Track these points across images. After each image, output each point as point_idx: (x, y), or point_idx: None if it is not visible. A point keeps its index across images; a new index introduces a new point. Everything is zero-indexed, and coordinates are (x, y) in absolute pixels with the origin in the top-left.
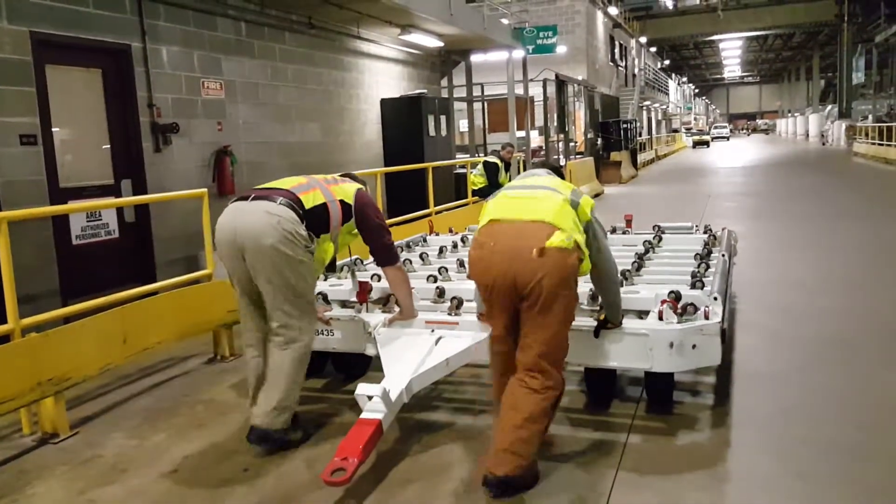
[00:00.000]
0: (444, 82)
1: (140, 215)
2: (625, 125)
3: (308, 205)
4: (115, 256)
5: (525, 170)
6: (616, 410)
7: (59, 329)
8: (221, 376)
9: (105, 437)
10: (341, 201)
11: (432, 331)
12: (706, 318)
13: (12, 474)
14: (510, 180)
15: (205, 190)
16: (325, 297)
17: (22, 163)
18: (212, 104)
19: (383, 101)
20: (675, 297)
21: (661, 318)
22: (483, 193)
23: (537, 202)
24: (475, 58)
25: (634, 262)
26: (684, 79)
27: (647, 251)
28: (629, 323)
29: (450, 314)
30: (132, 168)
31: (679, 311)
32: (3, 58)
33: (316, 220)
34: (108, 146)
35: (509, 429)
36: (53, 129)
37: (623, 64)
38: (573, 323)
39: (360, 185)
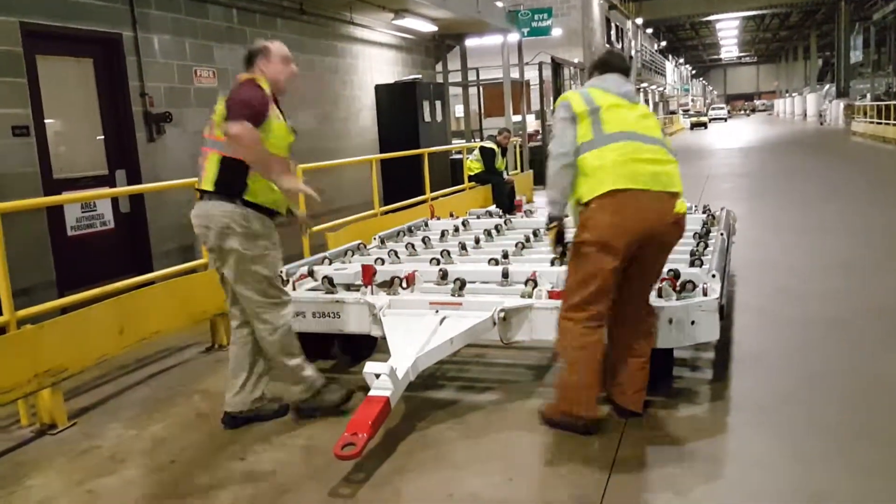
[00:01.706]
0: (439, 67)
1: (135, 205)
2: None
3: (211, 173)
4: (110, 247)
5: (521, 156)
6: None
7: (56, 320)
8: (218, 365)
9: (103, 428)
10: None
11: (437, 311)
12: (704, 294)
13: (10, 466)
14: (506, 167)
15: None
16: (330, 280)
17: (14, 154)
18: (205, 92)
19: (378, 87)
20: (674, 274)
21: (660, 296)
22: (479, 179)
23: (663, 167)
24: (470, 42)
25: None
26: (681, 60)
27: None
28: None
29: (453, 295)
30: (126, 158)
31: (678, 288)
32: None
33: (231, 171)
34: (102, 136)
35: (637, 370)
36: (46, 120)
37: (619, 46)
38: None
39: (249, 76)
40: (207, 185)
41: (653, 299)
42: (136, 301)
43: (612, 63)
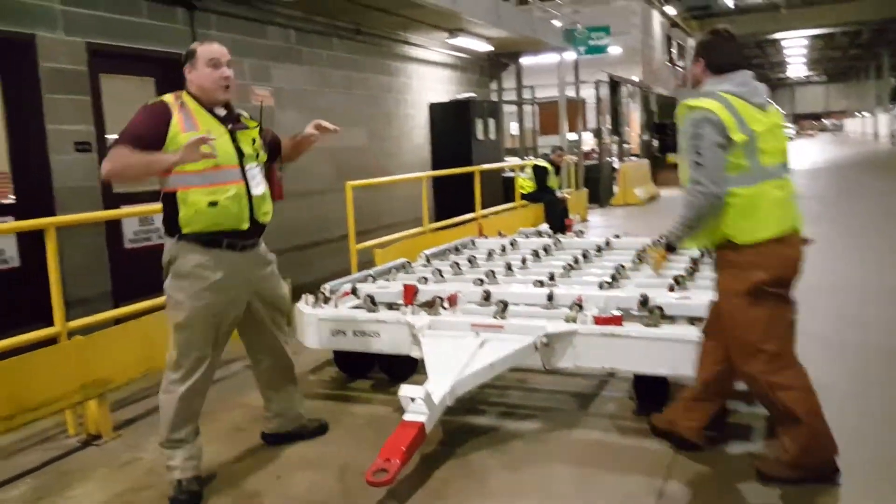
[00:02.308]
0: (494, 85)
1: None
2: None
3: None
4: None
5: (576, 174)
6: None
7: (104, 332)
8: None
9: (145, 440)
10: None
11: (477, 334)
12: None
13: (55, 475)
14: (560, 185)
15: None
16: (372, 298)
17: (77, 169)
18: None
19: (431, 106)
20: None
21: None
22: (532, 198)
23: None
24: (525, 60)
25: (688, 267)
26: None
27: (702, 255)
28: (681, 330)
29: (495, 318)
30: None
31: None
32: (60, 68)
33: (165, 203)
34: None
35: (722, 409)
36: (107, 136)
37: (681, 64)
38: (621, 329)
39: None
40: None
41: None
42: None
43: (737, 56)
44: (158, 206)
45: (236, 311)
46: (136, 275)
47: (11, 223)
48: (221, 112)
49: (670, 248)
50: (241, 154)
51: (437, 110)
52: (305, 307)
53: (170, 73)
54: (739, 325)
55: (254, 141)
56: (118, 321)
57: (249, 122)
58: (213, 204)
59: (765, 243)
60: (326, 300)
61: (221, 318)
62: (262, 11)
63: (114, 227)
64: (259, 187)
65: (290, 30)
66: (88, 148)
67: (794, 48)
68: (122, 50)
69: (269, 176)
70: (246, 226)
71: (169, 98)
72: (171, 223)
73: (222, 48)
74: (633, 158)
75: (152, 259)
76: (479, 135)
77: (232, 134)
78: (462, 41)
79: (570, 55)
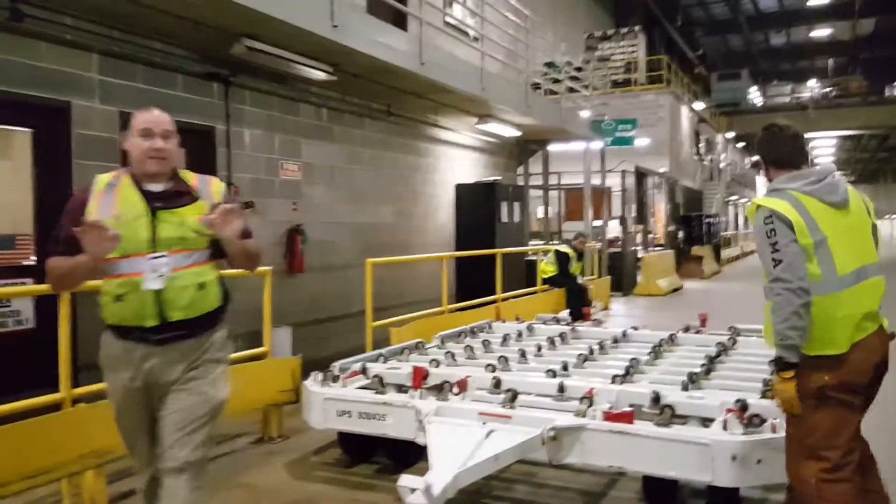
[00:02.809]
0: (521, 169)
1: None
2: (708, 219)
3: None
4: None
5: (600, 261)
6: None
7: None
8: (266, 458)
9: None
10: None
11: (484, 423)
12: (773, 431)
13: None
14: (582, 271)
15: (269, 268)
16: (381, 380)
17: None
18: (289, 185)
19: (458, 186)
20: (742, 406)
21: (725, 428)
22: (553, 282)
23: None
24: (553, 147)
25: (704, 364)
26: None
27: (719, 354)
28: (692, 431)
29: (503, 407)
30: None
31: (745, 421)
32: (94, 135)
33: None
34: None
35: None
36: None
37: (708, 158)
38: (631, 427)
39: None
40: None
41: (716, 432)
42: None
43: (794, 150)
44: None
45: (145, 412)
46: None
47: (26, 286)
48: (157, 187)
49: (788, 365)
50: (152, 239)
51: (463, 191)
52: (313, 385)
53: (203, 146)
54: (800, 425)
55: (182, 223)
56: None
57: (195, 199)
58: (118, 298)
59: (830, 358)
60: (335, 379)
61: (134, 416)
62: (297, 90)
63: None
64: (155, 281)
65: (322, 108)
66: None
67: (823, 148)
68: None
69: (293, 247)
70: (151, 323)
71: (103, 177)
72: (101, 311)
73: (161, 116)
74: (657, 249)
75: None
76: (504, 217)
77: (152, 216)
78: (491, 127)
79: (598, 144)
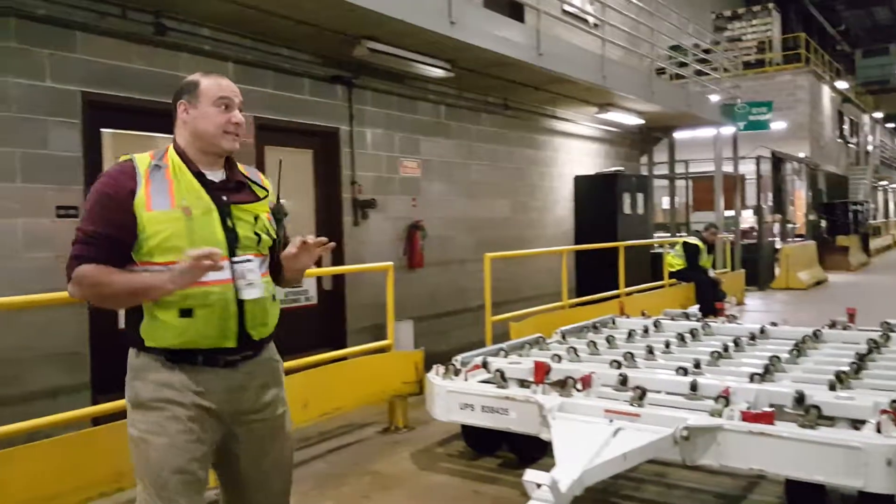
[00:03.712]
0: (644, 159)
1: (336, 284)
2: (854, 207)
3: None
4: (312, 322)
5: (732, 254)
6: None
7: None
8: (392, 448)
9: None
10: None
11: (611, 421)
12: None
13: None
14: (713, 264)
15: (390, 264)
16: (502, 374)
17: None
18: (408, 182)
19: (577, 178)
20: None
21: (878, 431)
22: (681, 276)
23: None
24: (679, 134)
25: (853, 363)
26: None
27: (870, 351)
28: (841, 433)
29: (632, 405)
30: (333, 239)
31: None
32: None
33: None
34: (314, 219)
35: None
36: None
37: (854, 141)
38: (773, 429)
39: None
40: None
41: (869, 435)
42: (323, 376)
43: None
44: (310, 269)
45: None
46: (284, 334)
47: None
48: (216, 176)
49: None
50: (233, 239)
51: (581, 183)
52: (435, 378)
53: (327, 146)
54: None
55: (256, 219)
56: None
57: (259, 190)
58: (185, 313)
59: None
60: (457, 372)
61: (186, 464)
62: (415, 88)
63: None
64: (252, 289)
65: (440, 106)
66: None
67: None
68: (286, 124)
69: (413, 243)
70: (230, 343)
71: (142, 157)
72: (132, 329)
73: (234, 86)
74: (797, 239)
75: (299, 320)
76: (627, 209)
77: (223, 210)
78: (612, 116)
79: (729, 129)
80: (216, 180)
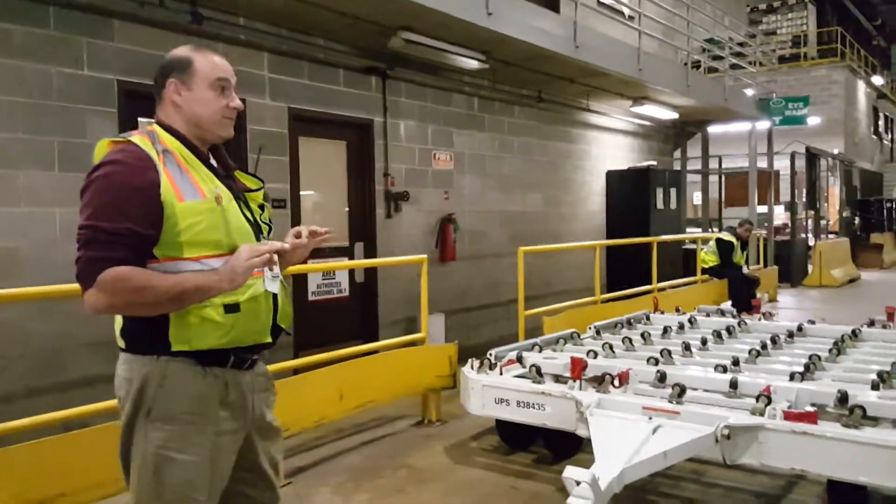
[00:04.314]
0: (677, 153)
1: (369, 276)
2: (889, 204)
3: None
4: (344, 314)
5: (765, 250)
6: None
7: (283, 381)
8: (426, 441)
9: (313, 491)
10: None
11: (650, 418)
12: None
13: None
14: (746, 261)
15: (424, 256)
16: (538, 369)
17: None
18: (441, 174)
19: (609, 173)
20: None
21: None
22: (714, 273)
23: None
24: (713, 129)
25: (895, 362)
26: None
27: None
28: (886, 434)
29: (671, 402)
30: (365, 232)
31: None
32: (265, 130)
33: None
34: (347, 211)
35: None
36: (301, 193)
37: (888, 137)
38: (816, 428)
39: (122, 140)
40: (116, 337)
41: None
42: (358, 369)
43: None
44: (343, 262)
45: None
46: (317, 326)
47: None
48: (212, 161)
49: None
50: (257, 229)
51: (614, 178)
52: (470, 372)
53: (361, 138)
54: None
55: (262, 208)
56: (296, 371)
57: (247, 178)
58: (231, 309)
59: None
60: (492, 366)
61: (223, 477)
62: (450, 80)
63: (300, 279)
64: (276, 281)
65: (474, 98)
66: (284, 205)
67: None
68: (320, 115)
69: (445, 236)
70: (268, 339)
71: (143, 142)
72: (146, 335)
73: (228, 64)
74: (831, 236)
75: (332, 312)
76: (659, 204)
77: (239, 199)
78: (646, 109)
79: (764, 124)
80: (213, 166)
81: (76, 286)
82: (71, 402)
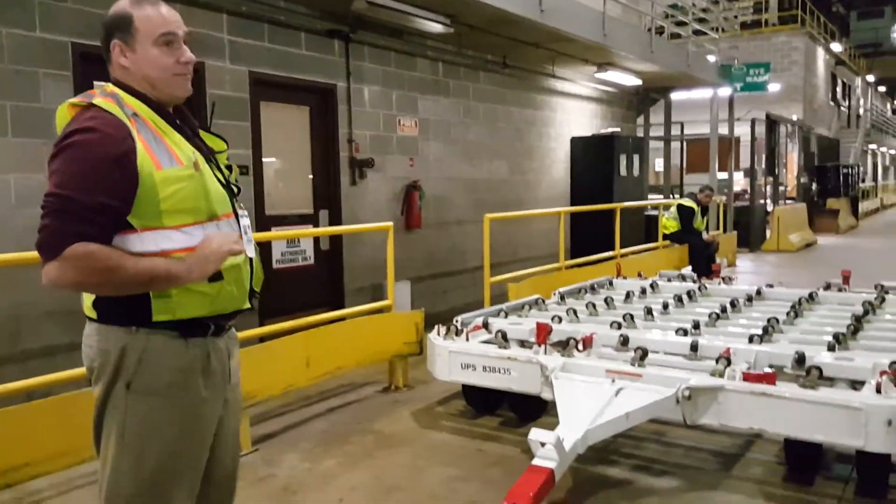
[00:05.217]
0: (640, 120)
1: (334, 244)
2: (845, 170)
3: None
4: (309, 281)
5: (725, 216)
6: (819, 489)
7: (249, 349)
8: (393, 407)
9: (281, 457)
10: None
11: (613, 381)
12: None
13: None
14: (706, 226)
15: (390, 224)
16: (504, 335)
17: None
18: (406, 141)
19: (573, 140)
20: None
21: (878, 391)
22: (675, 238)
23: None
24: (676, 95)
25: (850, 324)
26: None
27: (866, 313)
28: (842, 394)
29: (633, 365)
30: (330, 199)
31: None
32: (225, 95)
33: None
34: (311, 178)
35: None
36: (263, 160)
37: (846, 104)
38: (774, 389)
39: (91, 102)
40: (86, 307)
41: (869, 396)
42: (324, 336)
43: None
44: (307, 230)
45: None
46: (282, 294)
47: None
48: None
49: None
50: (231, 193)
51: (578, 144)
52: (436, 338)
53: (324, 103)
54: None
55: (230, 169)
56: (262, 339)
57: (211, 139)
58: (215, 278)
59: None
60: (458, 333)
61: (202, 454)
62: (414, 44)
63: (264, 247)
64: (251, 244)
65: (438, 63)
66: (246, 171)
67: None
68: (281, 80)
69: (410, 203)
70: (247, 304)
71: (111, 106)
72: (131, 302)
73: (174, 13)
74: (788, 202)
75: (297, 280)
76: (623, 171)
77: (211, 161)
78: (611, 75)
79: (725, 91)
80: (182, 127)
81: (35, 254)
82: (32, 371)
